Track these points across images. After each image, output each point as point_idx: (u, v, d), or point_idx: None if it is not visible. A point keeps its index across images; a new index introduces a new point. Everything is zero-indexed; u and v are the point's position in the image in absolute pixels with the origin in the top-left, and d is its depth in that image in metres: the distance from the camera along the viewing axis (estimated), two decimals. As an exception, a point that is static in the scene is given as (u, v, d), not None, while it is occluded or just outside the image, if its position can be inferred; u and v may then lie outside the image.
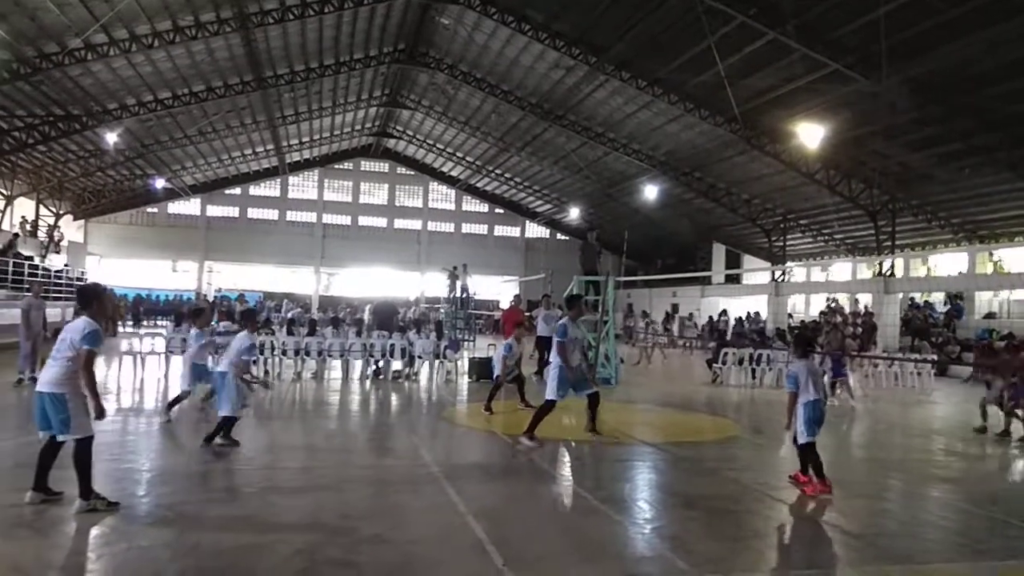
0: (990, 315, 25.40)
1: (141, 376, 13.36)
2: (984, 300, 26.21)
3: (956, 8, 14.98)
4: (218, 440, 7.61)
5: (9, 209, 28.95)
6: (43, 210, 32.75)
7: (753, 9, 17.69)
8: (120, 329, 25.69)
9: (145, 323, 34.68)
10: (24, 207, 31.60)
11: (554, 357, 8.80)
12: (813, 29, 17.58)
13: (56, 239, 33.43)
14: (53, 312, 23.86)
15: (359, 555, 4.72)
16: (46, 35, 19.36)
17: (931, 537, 5.67)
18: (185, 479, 6.53)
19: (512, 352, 11.28)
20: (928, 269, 30.38)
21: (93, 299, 5.79)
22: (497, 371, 11.27)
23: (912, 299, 27.60)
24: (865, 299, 28.53)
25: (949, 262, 29.68)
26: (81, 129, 25.60)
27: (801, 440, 6.74)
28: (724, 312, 32.83)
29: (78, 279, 30.65)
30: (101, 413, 5.42)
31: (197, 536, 4.96)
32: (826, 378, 14.85)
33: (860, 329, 25.19)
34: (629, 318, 32.49)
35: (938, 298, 27.12)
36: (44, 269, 27.70)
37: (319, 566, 4.52)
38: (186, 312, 16.12)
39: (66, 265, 32.08)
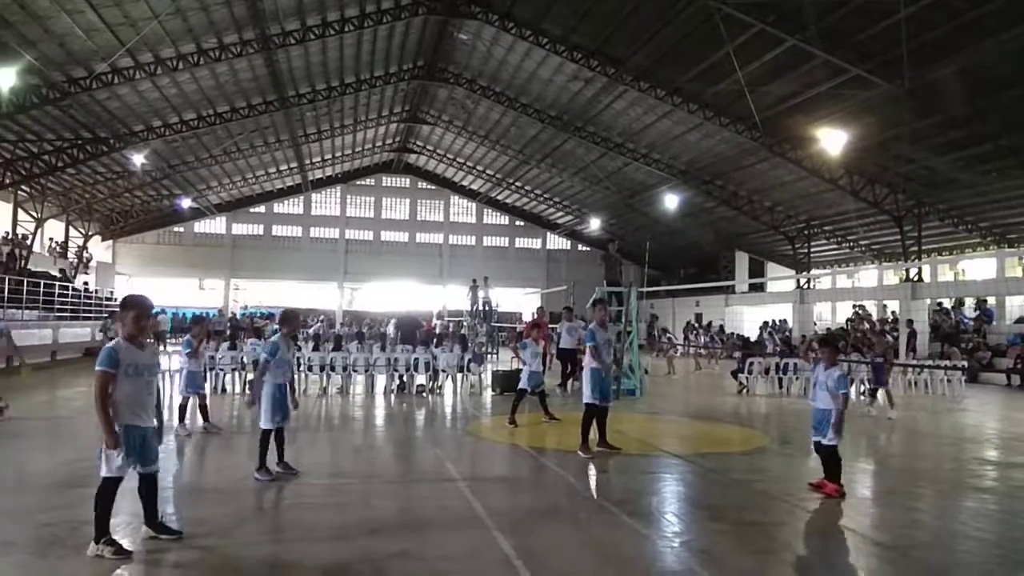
0: (1021, 320, 24.94)
1: (169, 394, 13.50)
2: (1016, 305, 25.74)
3: (976, 9, 14.84)
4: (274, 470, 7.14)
5: (40, 231, 29.54)
6: (72, 231, 33.41)
7: (772, 16, 17.65)
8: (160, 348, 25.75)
9: (172, 340, 35.07)
10: (54, 229, 32.26)
11: (587, 361, 8.81)
12: (833, 34, 17.46)
13: (85, 260, 34.09)
14: (82, 332, 24.41)
15: (387, 571, 4.71)
16: (74, 60, 19.80)
17: (966, 548, 5.55)
18: (213, 495, 6.59)
19: (530, 349, 11.31)
20: (956, 274, 29.91)
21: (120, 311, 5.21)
22: (532, 368, 11.22)
23: (940, 304, 27.18)
24: (893, 305, 28.16)
25: (978, 266, 29.20)
26: (109, 151, 26.11)
27: (834, 443, 6.83)
28: (710, 323, 35.12)
29: (107, 298, 31.17)
30: (112, 443, 4.72)
31: (225, 552, 4.99)
32: (865, 386, 14.74)
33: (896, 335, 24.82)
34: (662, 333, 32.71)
35: (969, 303, 26.66)
36: (74, 289, 28.22)
37: (347, 582, 4.53)
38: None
39: (86, 284, 32.57)
